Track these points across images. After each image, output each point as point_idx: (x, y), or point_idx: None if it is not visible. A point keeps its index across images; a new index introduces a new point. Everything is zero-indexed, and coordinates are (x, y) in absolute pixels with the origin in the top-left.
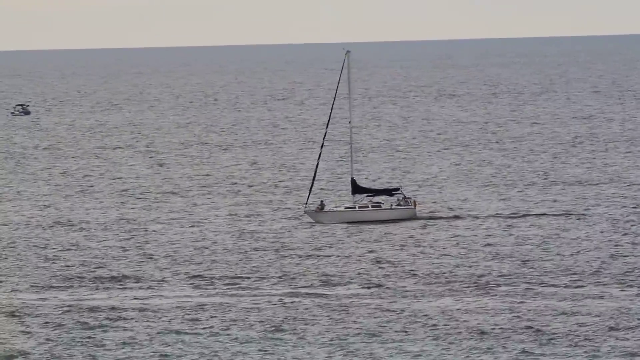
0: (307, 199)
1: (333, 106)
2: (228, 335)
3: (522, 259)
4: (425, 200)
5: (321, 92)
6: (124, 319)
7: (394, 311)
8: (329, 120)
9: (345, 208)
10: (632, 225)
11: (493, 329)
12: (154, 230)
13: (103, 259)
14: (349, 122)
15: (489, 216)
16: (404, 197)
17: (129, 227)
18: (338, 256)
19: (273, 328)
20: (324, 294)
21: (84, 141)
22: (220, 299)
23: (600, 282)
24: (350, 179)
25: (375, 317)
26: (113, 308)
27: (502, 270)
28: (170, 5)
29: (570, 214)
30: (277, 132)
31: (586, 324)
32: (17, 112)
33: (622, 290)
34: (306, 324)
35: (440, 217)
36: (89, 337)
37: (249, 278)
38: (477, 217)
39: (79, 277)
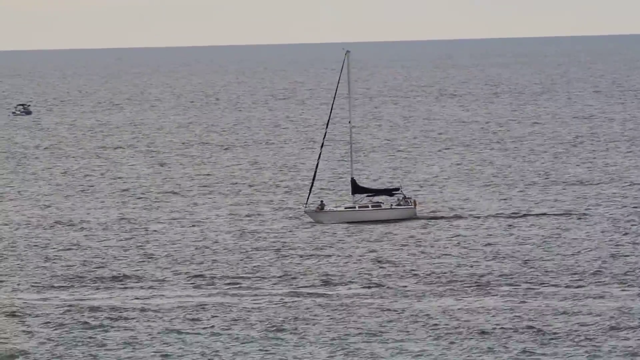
0: (307, 198)
1: (333, 106)
2: (229, 335)
3: (523, 258)
4: (425, 200)
5: (322, 92)
6: (125, 318)
7: (394, 311)
8: (329, 120)
9: (345, 208)
10: (632, 225)
11: (494, 328)
12: (155, 230)
13: (104, 258)
14: (349, 122)
15: (489, 216)
16: (404, 197)
17: (129, 227)
18: (339, 256)
19: (274, 328)
20: (324, 294)
21: (85, 141)
22: (221, 298)
23: (601, 281)
24: (350, 179)
25: (376, 317)
26: (114, 308)
27: (503, 270)
28: (170, 5)
29: (571, 214)
30: (278, 132)
31: (587, 324)
32: (19, 112)
33: (623, 290)
34: (307, 324)
35: (441, 217)
36: (90, 337)
37: (249, 278)
38: (478, 217)
39: (80, 277)
